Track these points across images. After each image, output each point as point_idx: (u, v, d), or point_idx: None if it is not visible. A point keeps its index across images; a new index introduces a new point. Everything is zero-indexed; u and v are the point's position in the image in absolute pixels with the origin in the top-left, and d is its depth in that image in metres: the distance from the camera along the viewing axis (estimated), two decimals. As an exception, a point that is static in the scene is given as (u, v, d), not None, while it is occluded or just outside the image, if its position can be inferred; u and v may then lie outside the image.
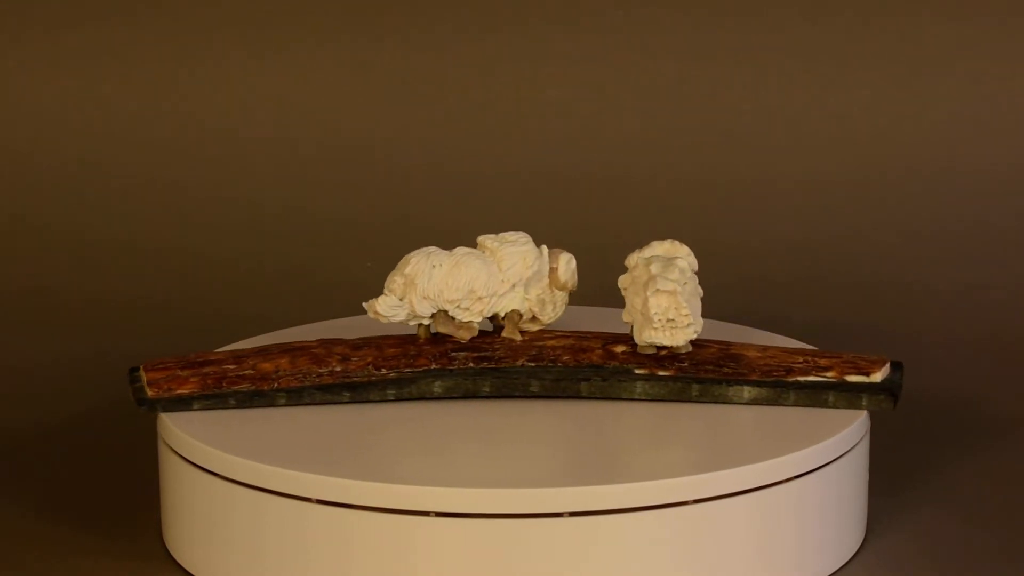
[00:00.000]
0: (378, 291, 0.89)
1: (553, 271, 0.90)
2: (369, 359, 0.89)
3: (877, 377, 0.88)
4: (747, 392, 0.88)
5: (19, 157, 1.42)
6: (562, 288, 0.90)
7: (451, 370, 0.89)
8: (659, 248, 0.89)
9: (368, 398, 0.89)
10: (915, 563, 0.87)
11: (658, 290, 0.86)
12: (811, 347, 0.94)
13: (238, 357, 0.89)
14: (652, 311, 0.86)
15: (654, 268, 0.87)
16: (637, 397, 0.88)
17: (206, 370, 0.89)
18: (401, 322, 0.89)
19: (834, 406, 0.87)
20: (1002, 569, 0.87)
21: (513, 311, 0.89)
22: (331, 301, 1.23)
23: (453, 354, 0.89)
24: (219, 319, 1.26)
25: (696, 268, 0.89)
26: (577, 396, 0.89)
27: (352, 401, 0.89)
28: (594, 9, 1.45)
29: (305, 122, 1.44)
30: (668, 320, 0.87)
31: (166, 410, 0.88)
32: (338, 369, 0.89)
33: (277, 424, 0.86)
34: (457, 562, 0.78)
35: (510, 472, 0.80)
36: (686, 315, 0.87)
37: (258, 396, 0.88)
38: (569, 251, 0.90)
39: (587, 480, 0.79)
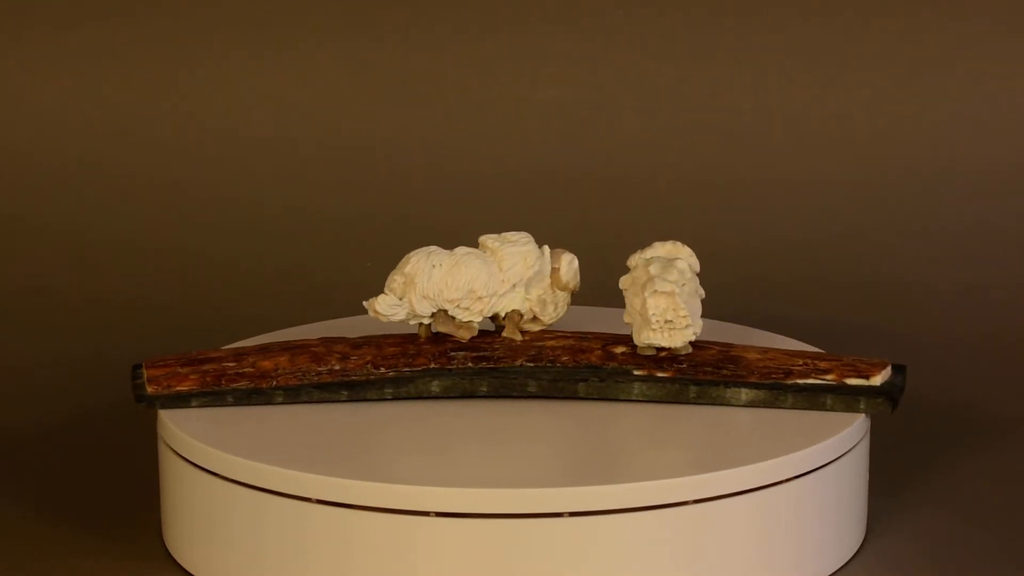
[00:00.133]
0: (378, 291, 0.89)
1: (555, 271, 0.89)
2: (368, 358, 0.89)
3: (877, 380, 0.87)
4: (744, 394, 0.88)
5: (19, 157, 1.42)
6: (564, 288, 0.90)
7: (449, 369, 0.89)
8: (661, 249, 0.89)
9: (366, 397, 0.89)
10: (915, 563, 0.87)
11: (656, 291, 0.86)
12: (814, 349, 0.94)
13: (238, 355, 0.89)
14: (650, 312, 0.86)
15: (653, 269, 0.87)
16: (635, 398, 0.88)
17: (206, 367, 0.89)
18: (401, 321, 0.89)
19: (831, 409, 0.87)
20: (1002, 569, 0.87)
21: (514, 311, 0.89)
22: (331, 301, 1.23)
23: (452, 354, 0.89)
24: (219, 319, 1.26)
25: (698, 269, 0.89)
26: (575, 397, 0.89)
27: (350, 400, 0.89)
28: (594, 9, 1.45)
29: (305, 122, 1.44)
30: (666, 321, 0.87)
31: (164, 407, 0.88)
32: (337, 368, 0.89)
33: (277, 424, 0.86)
34: (457, 562, 0.78)
35: (510, 472, 0.80)
36: (684, 316, 0.86)
37: (256, 394, 0.88)
38: (569, 251, 0.90)
39: (587, 480, 0.79)
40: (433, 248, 0.89)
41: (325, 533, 0.80)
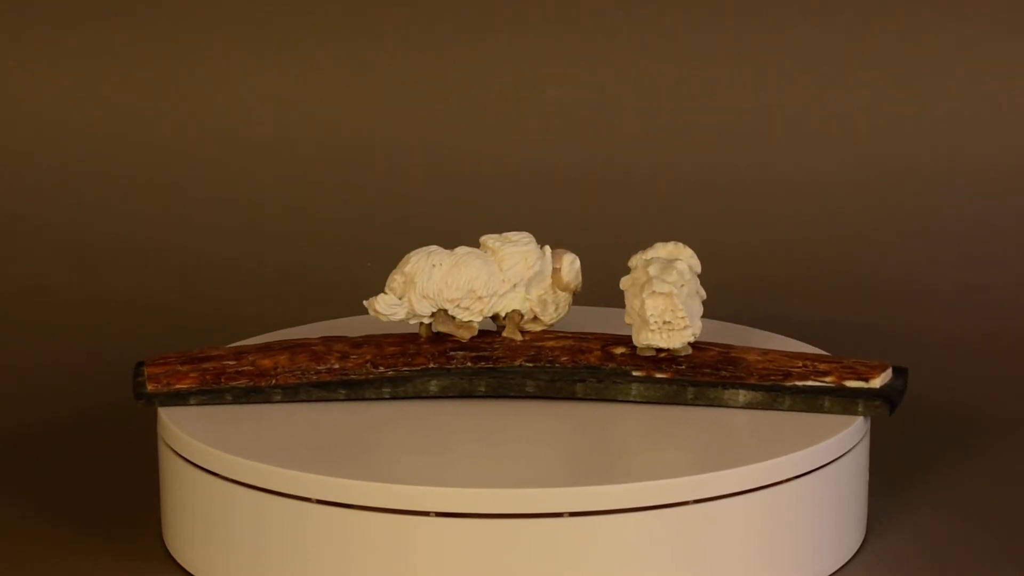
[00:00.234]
0: (378, 291, 0.89)
1: (557, 272, 0.89)
2: (368, 357, 0.89)
3: (876, 383, 0.87)
4: (742, 396, 0.87)
5: (19, 157, 1.42)
6: (565, 289, 0.90)
7: (448, 369, 0.89)
8: (662, 250, 0.89)
9: (364, 396, 0.89)
10: (915, 563, 0.87)
11: (654, 292, 0.86)
12: (816, 350, 0.94)
13: (239, 353, 0.89)
14: (648, 313, 0.86)
15: (652, 270, 0.87)
16: (633, 399, 0.88)
17: (206, 366, 0.89)
18: (401, 321, 0.89)
19: (829, 411, 0.87)
20: (1002, 569, 0.87)
21: (514, 311, 0.89)
22: (331, 301, 1.23)
23: (452, 353, 0.89)
24: (219, 319, 1.26)
25: (699, 270, 0.89)
26: (573, 397, 0.89)
27: (348, 399, 0.89)
28: (594, 9, 1.45)
29: (305, 122, 1.44)
30: (664, 322, 0.86)
31: (163, 404, 0.88)
32: (336, 366, 0.89)
33: (277, 424, 0.86)
34: (457, 562, 0.78)
35: (510, 472, 0.80)
36: (682, 317, 0.86)
37: (254, 392, 0.88)
38: (571, 251, 0.90)
39: (587, 480, 0.79)
40: (433, 248, 0.89)
41: (325, 533, 0.80)
